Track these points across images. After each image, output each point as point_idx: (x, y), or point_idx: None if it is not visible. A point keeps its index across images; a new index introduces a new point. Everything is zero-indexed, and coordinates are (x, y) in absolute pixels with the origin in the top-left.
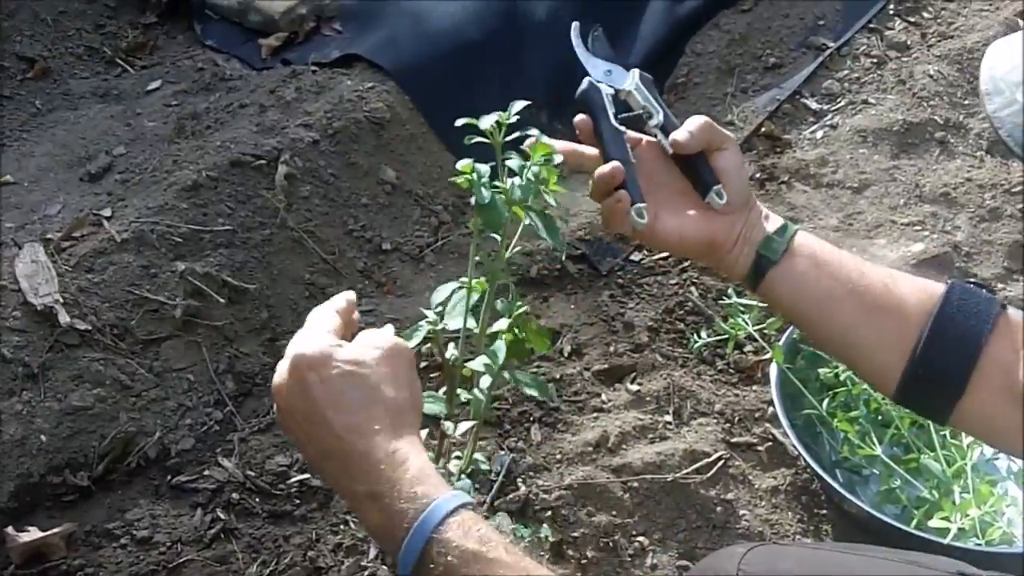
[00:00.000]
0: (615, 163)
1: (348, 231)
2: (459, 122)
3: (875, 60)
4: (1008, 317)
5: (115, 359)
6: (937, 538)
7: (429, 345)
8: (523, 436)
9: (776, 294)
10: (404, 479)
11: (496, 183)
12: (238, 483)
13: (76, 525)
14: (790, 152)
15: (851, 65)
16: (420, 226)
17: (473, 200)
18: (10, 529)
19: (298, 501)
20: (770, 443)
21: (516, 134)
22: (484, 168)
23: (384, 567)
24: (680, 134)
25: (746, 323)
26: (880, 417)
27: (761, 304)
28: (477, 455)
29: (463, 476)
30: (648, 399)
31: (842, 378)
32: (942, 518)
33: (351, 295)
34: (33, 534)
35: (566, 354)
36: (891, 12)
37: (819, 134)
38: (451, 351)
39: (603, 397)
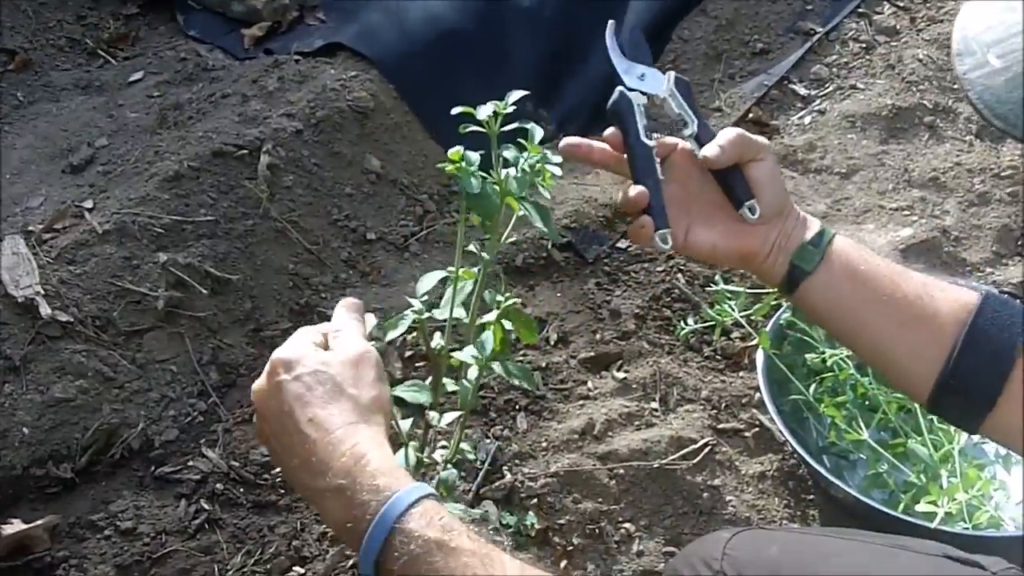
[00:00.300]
0: (640, 189)
1: (332, 221)
2: (455, 111)
3: (864, 45)
4: None
5: (97, 351)
6: (924, 522)
7: (415, 334)
8: (509, 424)
9: (809, 303)
10: (366, 471)
11: (490, 173)
12: (222, 474)
13: (60, 517)
14: (778, 138)
15: (839, 50)
16: (405, 215)
17: (460, 188)
18: None
19: (282, 491)
20: (757, 429)
21: (514, 125)
22: (474, 156)
23: None
24: (711, 149)
25: (732, 309)
26: (867, 402)
27: (748, 290)
28: (463, 444)
29: (449, 465)
30: (634, 386)
31: (829, 363)
32: (929, 502)
33: (358, 302)
34: (16, 526)
35: (552, 342)
36: None
37: (807, 120)
38: (437, 340)
39: (589, 385)
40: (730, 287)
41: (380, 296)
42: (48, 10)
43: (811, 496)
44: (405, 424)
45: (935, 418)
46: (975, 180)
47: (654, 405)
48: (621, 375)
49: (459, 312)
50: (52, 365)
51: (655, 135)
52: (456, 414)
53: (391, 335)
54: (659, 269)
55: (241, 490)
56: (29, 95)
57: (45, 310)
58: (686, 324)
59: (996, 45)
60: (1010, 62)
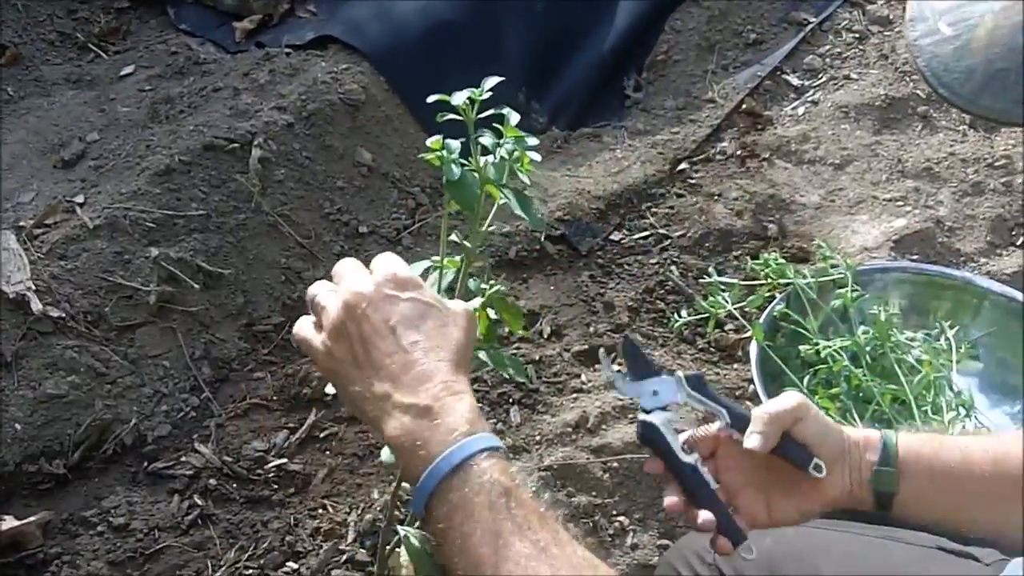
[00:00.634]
0: (705, 516)
1: (324, 214)
2: (431, 99)
3: (857, 35)
4: None
5: (89, 346)
6: None
7: None
8: (502, 418)
9: (909, 515)
10: (458, 407)
11: (469, 160)
12: (215, 469)
13: (52, 513)
14: (771, 129)
15: (833, 40)
16: (397, 209)
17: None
18: None
19: (275, 486)
20: None
21: (490, 111)
22: (455, 144)
23: (363, 551)
24: (753, 440)
25: (726, 302)
26: (861, 394)
27: (741, 282)
28: None
29: None
30: None
31: (823, 355)
32: None
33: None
34: (9, 523)
35: (545, 335)
36: None
37: (800, 110)
38: None
39: (583, 378)
40: (724, 279)
41: None
42: (38, 4)
43: None
44: None
45: (928, 410)
46: (969, 170)
47: None
48: (615, 368)
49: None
50: (44, 361)
51: (694, 462)
52: None
53: None
54: (653, 262)
55: (234, 485)
56: (20, 90)
57: (36, 306)
58: (680, 316)
59: (948, 13)
60: (960, 31)
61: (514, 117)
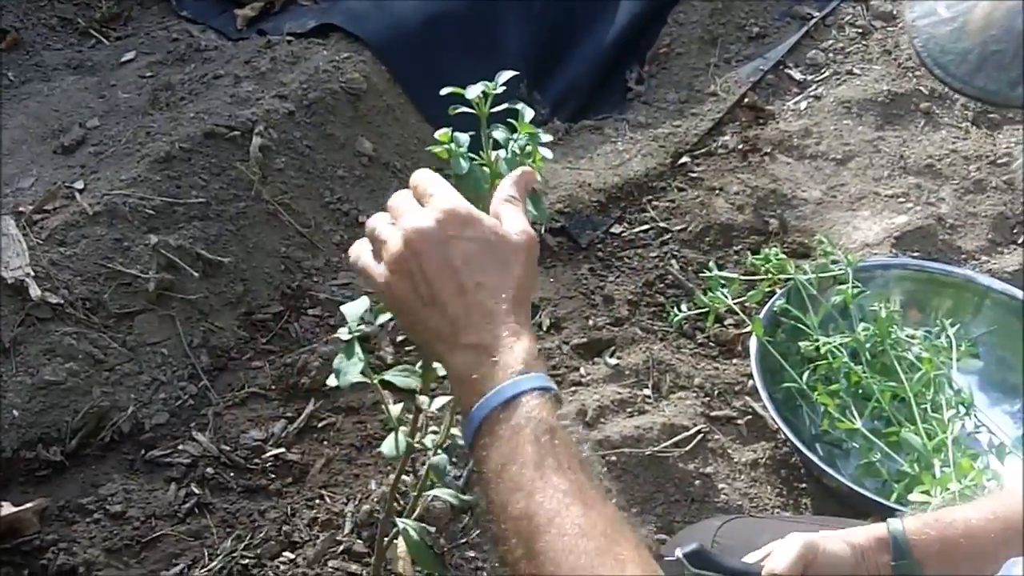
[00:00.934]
0: None
1: (324, 204)
2: (444, 91)
3: (860, 30)
4: None
5: (88, 333)
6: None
7: None
8: None
9: None
10: (516, 346)
11: (480, 155)
12: (212, 458)
13: (49, 500)
14: (773, 123)
15: (836, 35)
16: None
17: (451, 171)
18: None
19: (273, 476)
20: (750, 417)
21: (504, 105)
22: (463, 137)
23: (359, 541)
24: None
25: (726, 296)
26: (861, 391)
27: (742, 277)
28: (454, 430)
29: (439, 450)
30: (627, 373)
31: (823, 351)
32: (922, 492)
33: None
34: (6, 509)
35: (545, 328)
36: None
37: (803, 105)
38: None
39: (582, 371)
40: (724, 273)
41: None
42: None
43: (803, 485)
44: (395, 409)
45: (928, 407)
46: (971, 167)
47: (647, 392)
48: (614, 361)
49: None
50: (42, 347)
51: None
52: (446, 399)
53: (382, 319)
54: (653, 255)
55: (231, 474)
56: (20, 75)
57: (35, 292)
58: (679, 310)
59: None
60: (957, 12)
61: (528, 113)
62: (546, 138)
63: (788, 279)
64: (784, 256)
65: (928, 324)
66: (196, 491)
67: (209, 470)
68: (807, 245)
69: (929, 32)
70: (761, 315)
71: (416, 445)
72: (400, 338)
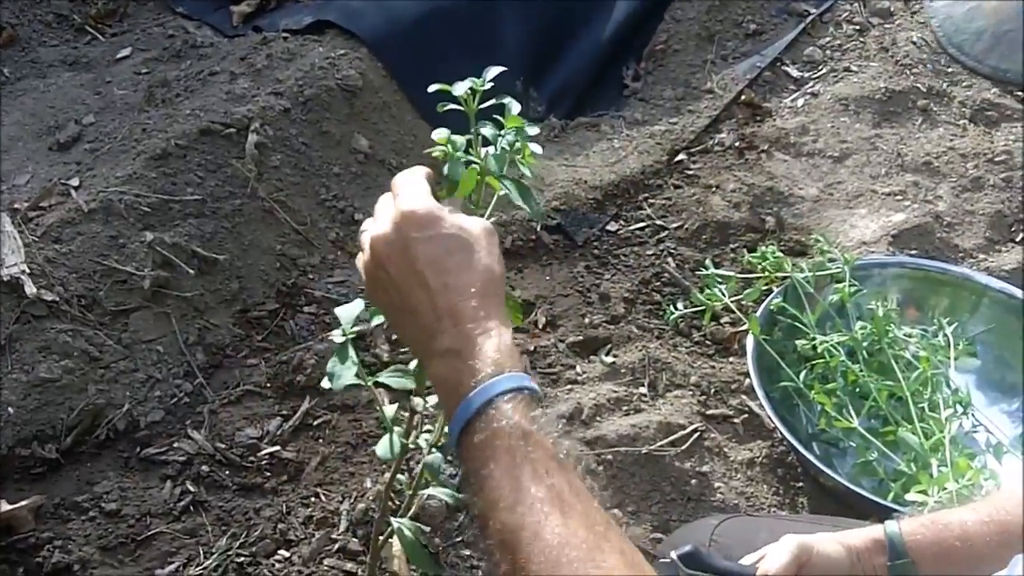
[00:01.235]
0: None
1: (320, 201)
2: (432, 88)
3: (858, 27)
4: None
5: (83, 330)
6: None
7: None
8: None
9: None
10: (486, 344)
11: (469, 151)
12: (208, 455)
13: (44, 498)
14: (770, 120)
15: (833, 32)
16: None
17: (445, 171)
18: None
19: (268, 474)
20: (746, 415)
21: (491, 101)
22: (461, 141)
23: (355, 540)
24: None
25: (723, 294)
26: (858, 390)
27: (738, 275)
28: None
29: (434, 450)
30: (623, 371)
31: (819, 350)
32: (919, 491)
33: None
34: (1, 507)
35: (540, 326)
36: None
37: (800, 102)
38: None
39: (578, 369)
40: (720, 271)
41: None
42: None
43: (800, 483)
44: (390, 410)
45: (926, 406)
46: (968, 165)
47: (643, 390)
48: (610, 359)
49: None
50: (37, 344)
51: None
52: None
53: (376, 319)
54: (649, 253)
55: (227, 472)
56: (16, 71)
57: (30, 289)
58: (676, 308)
59: None
60: None
61: (515, 106)
62: (533, 131)
63: (785, 277)
64: (781, 254)
65: (925, 323)
66: (191, 489)
67: (204, 468)
68: (804, 243)
69: (946, 12)
70: (758, 313)
71: (411, 445)
72: (395, 336)
